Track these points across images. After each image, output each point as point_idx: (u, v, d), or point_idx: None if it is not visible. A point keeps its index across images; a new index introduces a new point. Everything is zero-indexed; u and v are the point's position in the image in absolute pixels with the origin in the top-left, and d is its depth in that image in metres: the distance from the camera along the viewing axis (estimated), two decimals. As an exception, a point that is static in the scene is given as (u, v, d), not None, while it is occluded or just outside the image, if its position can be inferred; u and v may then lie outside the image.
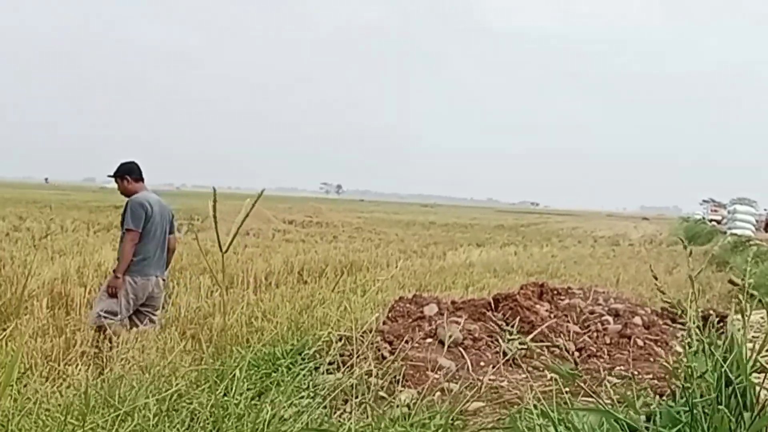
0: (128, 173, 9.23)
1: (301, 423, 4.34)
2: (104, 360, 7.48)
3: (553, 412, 3.95)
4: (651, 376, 6.21)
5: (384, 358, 6.32)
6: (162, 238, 9.24)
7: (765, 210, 61.65)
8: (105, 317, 8.69)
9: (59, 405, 4.60)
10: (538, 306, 8.31)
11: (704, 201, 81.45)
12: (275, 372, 5.67)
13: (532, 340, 6.96)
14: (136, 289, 8.92)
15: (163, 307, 10.34)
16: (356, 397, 5.13)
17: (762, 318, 6.63)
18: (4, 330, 8.69)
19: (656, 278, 5.74)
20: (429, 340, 7.02)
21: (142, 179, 9.31)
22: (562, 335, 7.37)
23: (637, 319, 8.12)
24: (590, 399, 4.34)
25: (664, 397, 4.76)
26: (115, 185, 9.38)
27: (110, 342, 7.98)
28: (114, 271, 9.06)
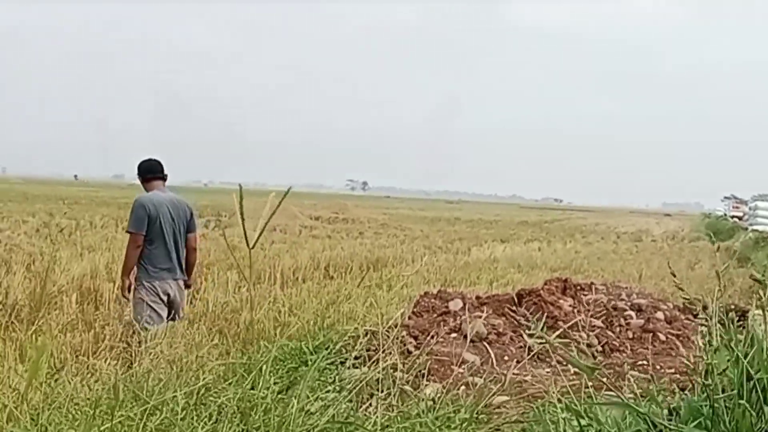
0: (140, 172, 9.11)
1: (327, 416, 4.34)
2: (133, 354, 7.48)
3: (576, 406, 3.95)
4: (673, 370, 6.19)
5: (409, 352, 6.32)
6: (175, 238, 8.95)
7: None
8: (148, 325, 8.56)
9: (89, 399, 4.61)
10: (561, 301, 8.29)
11: (726, 197, 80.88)
12: (302, 366, 5.68)
13: (556, 335, 6.95)
14: (157, 292, 8.79)
15: (191, 303, 10.33)
16: (382, 391, 5.13)
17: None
18: (34, 325, 8.73)
19: (674, 275, 5.72)
20: (454, 334, 7.01)
21: (157, 177, 9.03)
22: (585, 330, 7.36)
23: (660, 314, 8.09)
24: (613, 393, 4.33)
25: (687, 392, 4.75)
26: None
27: (139, 337, 7.96)
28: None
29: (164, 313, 8.76)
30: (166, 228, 8.75)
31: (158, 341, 6.85)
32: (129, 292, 8.69)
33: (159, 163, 9.11)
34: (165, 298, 8.77)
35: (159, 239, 8.70)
